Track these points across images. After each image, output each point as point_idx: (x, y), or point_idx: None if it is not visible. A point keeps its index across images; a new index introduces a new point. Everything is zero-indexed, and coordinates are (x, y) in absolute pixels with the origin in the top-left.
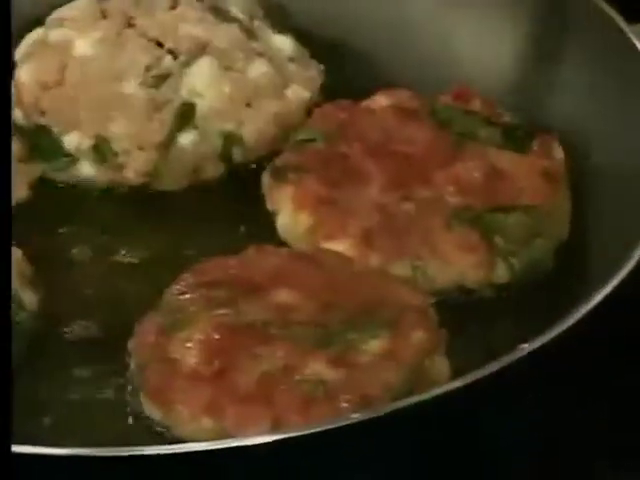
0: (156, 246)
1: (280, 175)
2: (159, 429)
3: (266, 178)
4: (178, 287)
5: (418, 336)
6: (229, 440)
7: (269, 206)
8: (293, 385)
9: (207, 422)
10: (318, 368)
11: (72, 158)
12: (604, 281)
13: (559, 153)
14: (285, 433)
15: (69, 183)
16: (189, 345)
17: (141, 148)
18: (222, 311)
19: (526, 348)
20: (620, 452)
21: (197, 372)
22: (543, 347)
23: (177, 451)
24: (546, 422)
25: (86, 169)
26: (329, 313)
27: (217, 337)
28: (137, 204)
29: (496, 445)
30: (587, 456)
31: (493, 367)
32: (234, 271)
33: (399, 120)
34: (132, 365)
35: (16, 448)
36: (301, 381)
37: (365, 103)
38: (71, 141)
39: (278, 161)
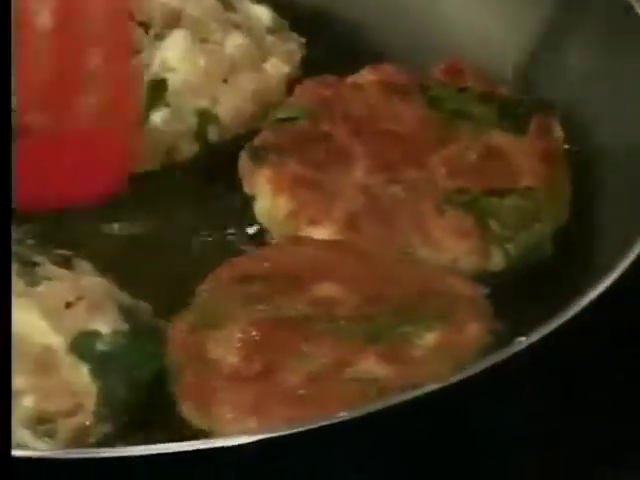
0: (132, 229)
1: (258, 156)
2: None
3: (243, 160)
4: (211, 283)
5: (473, 329)
6: (214, 440)
7: (247, 189)
8: (345, 383)
9: (253, 424)
10: (369, 365)
11: None
12: (606, 269)
13: (558, 133)
14: (273, 432)
15: None
16: (228, 344)
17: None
18: (260, 307)
19: (524, 341)
20: (621, 446)
21: (239, 372)
22: (542, 340)
23: (163, 451)
24: (545, 416)
25: None
26: (376, 306)
27: (258, 334)
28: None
29: (494, 440)
30: (587, 450)
31: (490, 361)
32: (269, 264)
33: (387, 97)
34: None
35: (16, 452)
36: (353, 379)
37: (351, 79)
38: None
39: (256, 141)
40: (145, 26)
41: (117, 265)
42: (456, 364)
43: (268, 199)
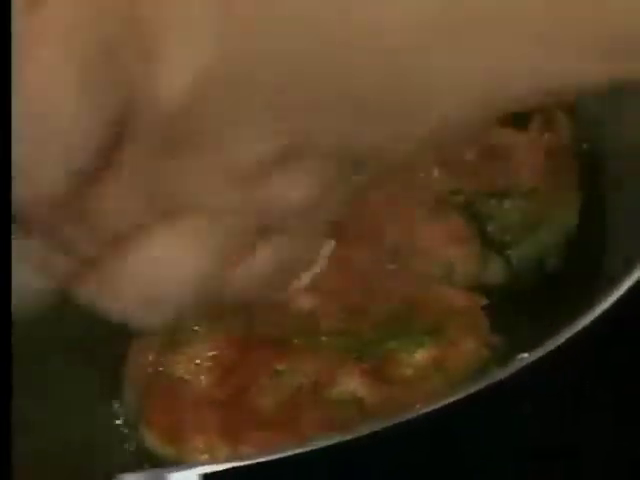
0: None
1: None
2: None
3: None
4: None
5: (468, 344)
6: (180, 467)
7: None
8: (324, 405)
9: (223, 451)
10: (352, 384)
11: None
12: (617, 279)
13: (564, 128)
14: (242, 460)
15: None
16: (196, 364)
17: None
18: (235, 323)
19: (525, 358)
20: (629, 469)
21: (210, 394)
22: (545, 357)
23: None
24: (546, 440)
25: None
26: (360, 319)
27: (229, 354)
28: None
29: (489, 467)
30: (592, 473)
31: (488, 380)
32: None
33: None
34: (128, 395)
35: None
36: (333, 401)
37: None
38: None
39: None
40: None
41: None
42: (449, 383)
43: None
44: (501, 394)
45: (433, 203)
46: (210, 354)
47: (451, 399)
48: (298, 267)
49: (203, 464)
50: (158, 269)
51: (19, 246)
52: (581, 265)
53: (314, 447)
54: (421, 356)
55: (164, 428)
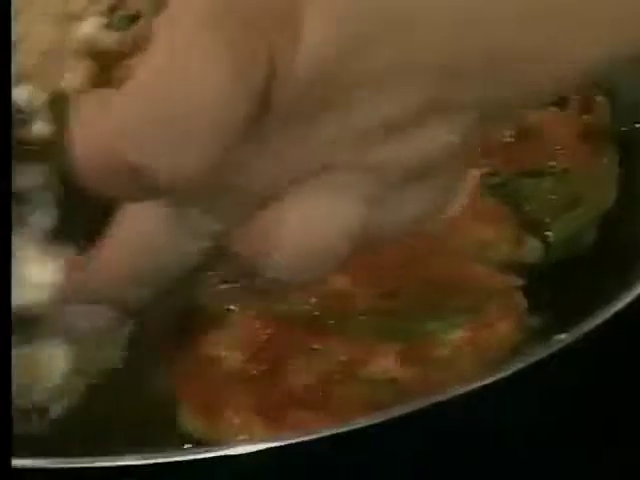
0: None
1: None
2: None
3: None
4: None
5: (505, 325)
6: (217, 448)
7: None
8: (359, 384)
9: (259, 429)
10: (386, 364)
11: (22, 116)
12: None
13: (603, 110)
14: (279, 440)
15: (19, 145)
16: (231, 343)
17: None
18: (270, 301)
19: (563, 339)
20: None
21: (244, 371)
22: (583, 338)
23: (159, 461)
24: (583, 423)
25: (40, 129)
26: (395, 300)
27: (264, 332)
28: None
29: (526, 447)
30: (631, 460)
31: (522, 362)
32: None
33: None
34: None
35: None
36: (368, 380)
37: None
38: (21, 96)
39: None
40: None
41: None
42: (484, 364)
43: None
44: (538, 375)
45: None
46: (244, 333)
47: (487, 380)
48: (444, 203)
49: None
50: (315, 221)
51: (175, 213)
52: (617, 246)
53: (351, 427)
54: (457, 336)
55: (198, 406)
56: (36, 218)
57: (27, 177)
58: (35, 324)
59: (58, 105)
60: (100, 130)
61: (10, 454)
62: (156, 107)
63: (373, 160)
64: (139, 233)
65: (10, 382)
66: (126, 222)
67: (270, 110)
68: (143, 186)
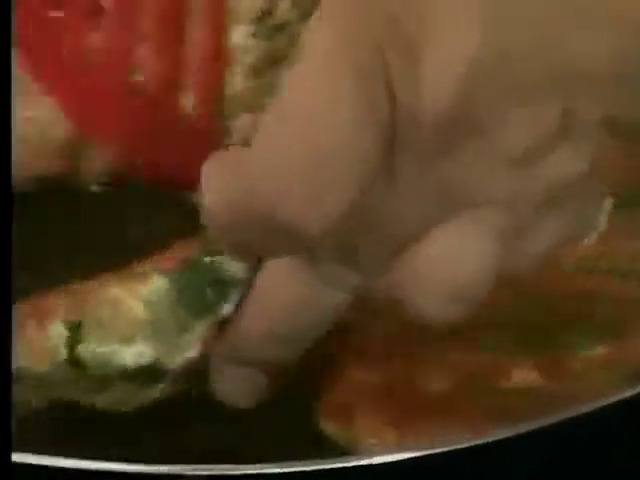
0: None
1: None
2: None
3: None
4: None
5: None
6: (354, 458)
7: None
8: (494, 394)
9: (391, 437)
10: (523, 376)
11: None
12: None
13: None
14: (416, 451)
15: None
16: (369, 346)
17: (251, 111)
18: None
19: None
20: None
21: (382, 378)
22: None
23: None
24: None
25: None
26: (540, 310)
27: (405, 340)
28: None
29: None
30: None
31: None
32: None
33: None
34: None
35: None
36: (503, 390)
37: None
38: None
39: None
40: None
41: None
42: (624, 382)
43: None
44: None
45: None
46: (385, 337)
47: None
48: (582, 231)
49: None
50: (459, 259)
51: (313, 267)
52: None
53: (489, 439)
54: (599, 352)
55: (333, 409)
56: None
57: None
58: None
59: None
60: (238, 192)
61: (10, 449)
62: (291, 158)
63: (511, 191)
64: (278, 289)
65: (10, 376)
66: (265, 279)
67: (401, 144)
68: (286, 240)
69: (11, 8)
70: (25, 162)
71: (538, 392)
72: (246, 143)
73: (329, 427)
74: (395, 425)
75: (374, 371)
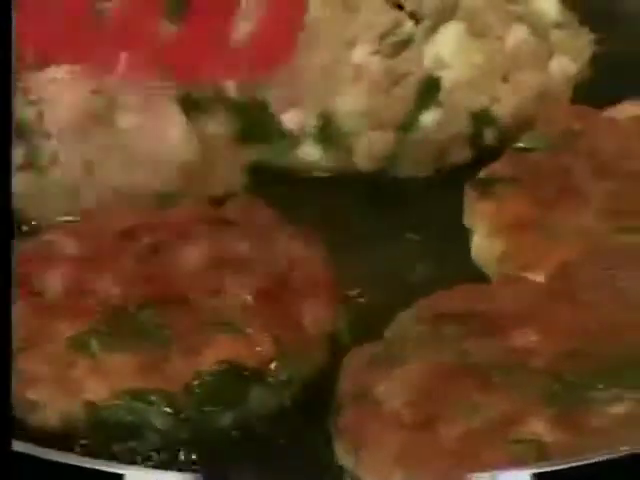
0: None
1: (482, 188)
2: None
3: (468, 189)
4: (407, 316)
5: None
6: None
7: (466, 222)
8: (504, 444)
9: (398, 476)
10: (539, 427)
11: (292, 140)
12: None
13: None
14: None
15: (288, 168)
16: (398, 385)
17: (375, 129)
18: (446, 350)
19: None
20: None
21: (398, 416)
22: None
23: None
24: None
25: (309, 153)
26: (570, 363)
27: (430, 380)
28: (368, 193)
29: None
30: None
31: None
32: (475, 304)
33: None
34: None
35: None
36: (516, 440)
37: (606, 113)
38: (292, 120)
39: (485, 171)
40: (415, 17)
41: None
42: (638, 440)
43: (484, 236)
44: None
45: None
46: (411, 377)
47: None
48: None
49: None
50: None
51: None
52: None
53: None
54: (617, 410)
55: (350, 441)
56: None
57: None
58: None
59: (328, 129)
60: None
61: (11, 437)
62: None
63: None
64: None
65: (10, 367)
66: None
67: None
68: None
69: (11, 8)
70: None
71: (551, 445)
72: None
73: (348, 461)
74: (401, 464)
75: (398, 408)
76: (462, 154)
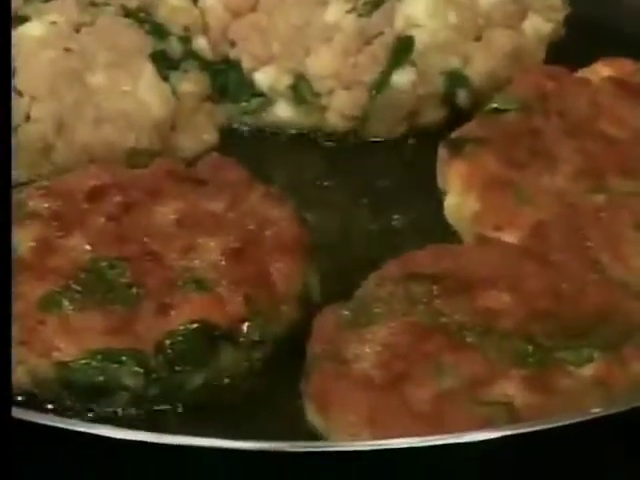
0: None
1: (455, 148)
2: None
3: (440, 150)
4: (377, 276)
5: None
6: (326, 443)
7: (439, 183)
8: (473, 406)
9: (366, 435)
10: (508, 388)
11: (265, 99)
12: None
13: None
14: (387, 444)
15: (259, 127)
16: (368, 346)
17: (348, 88)
18: (418, 310)
19: None
20: None
21: (368, 377)
22: None
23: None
24: None
25: (281, 112)
26: (542, 323)
27: (401, 340)
28: (339, 154)
29: None
30: None
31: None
32: (447, 264)
33: (615, 97)
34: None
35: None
36: (485, 402)
37: (580, 73)
38: (264, 79)
39: (457, 132)
40: None
41: None
42: (607, 401)
43: (457, 195)
44: None
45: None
46: (381, 337)
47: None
48: None
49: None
50: None
51: None
52: None
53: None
54: (587, 370)
55: (319, 402)
56: None
57: None
58: None
59: (301, 88)
60: None
61: (10, 403)
62: None
63: None
64: None
65: (10, 336)
66: None
67: None
68: None
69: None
70: None
71: (520, 407)
72: None
73: (316, 421)
74: (371, 425)
75: (368, 369)
76: (435, 115)
